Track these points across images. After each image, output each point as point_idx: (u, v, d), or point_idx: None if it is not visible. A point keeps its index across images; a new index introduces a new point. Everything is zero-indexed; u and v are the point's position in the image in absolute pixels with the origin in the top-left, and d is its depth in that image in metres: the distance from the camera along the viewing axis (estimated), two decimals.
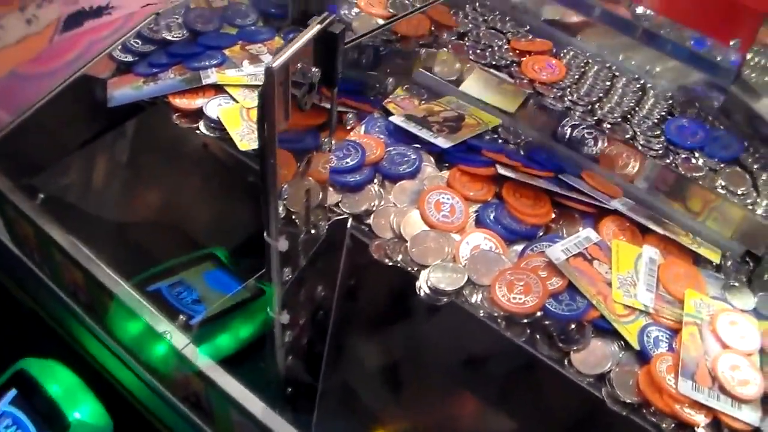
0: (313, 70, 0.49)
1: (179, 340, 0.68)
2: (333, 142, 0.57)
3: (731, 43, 0.83)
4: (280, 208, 0.53)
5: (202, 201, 0.92)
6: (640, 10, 0.90)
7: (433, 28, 0.86)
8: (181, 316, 0.72)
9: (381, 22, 0.88)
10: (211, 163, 0.88)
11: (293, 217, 0.58)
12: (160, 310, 0.70)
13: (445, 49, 0.86)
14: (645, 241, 0.71)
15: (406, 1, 0.92)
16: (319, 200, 0.61)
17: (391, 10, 0.90)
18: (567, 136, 0.81)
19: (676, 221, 0.74)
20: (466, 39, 0.90)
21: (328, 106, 0.55)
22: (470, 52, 0.87)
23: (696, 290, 0.67)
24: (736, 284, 0.68)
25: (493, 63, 0.87)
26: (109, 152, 0.90)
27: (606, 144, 0.79)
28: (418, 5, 0.88)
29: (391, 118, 0.79)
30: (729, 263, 0.71)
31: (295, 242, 0.58)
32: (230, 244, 0.91)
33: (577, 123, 0.81)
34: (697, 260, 0.71)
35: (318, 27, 0.48)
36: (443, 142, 0.77)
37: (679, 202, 0.76)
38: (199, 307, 0.78)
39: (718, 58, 0.84)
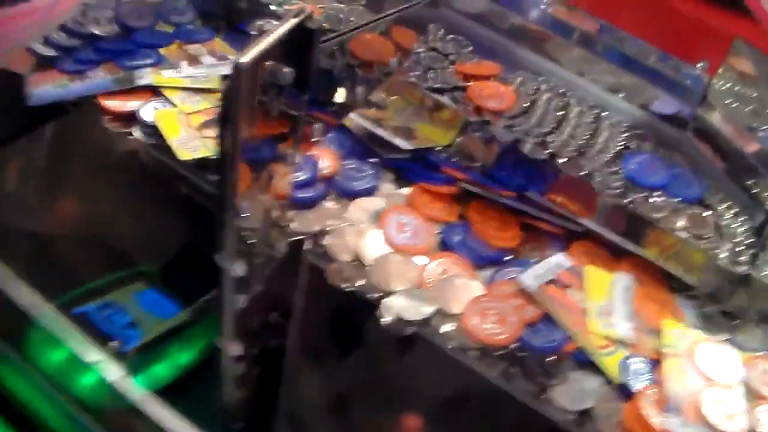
0: (285, 70, 0.42)
1: (112, 369, 0.60)
2: (297, 154, 0.51)
3: (698, 65, 0.80)
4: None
5: (129, 214, 0.83)
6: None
7: (398, 55, 0.77)
8: (114, 342, 0.64)
9: None
10: (140, 172, 0.80)
11: (247, 236, 0.51)
12: (89, 336, 0.62)
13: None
14: (617, 265, 0.67)
15: (341, 15, 0.83)
16: (277, 218, 0.55)
17: (325, 25, 0.79)
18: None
19: None
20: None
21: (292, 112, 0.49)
22: (410, 74, 0.76)
23: (673, 319, 0.63)
24: (713, 313, 0.65)
25: (436, 87, 0.76)
26: (27, 157, 0.80)
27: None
28: (353, 19, 0.80)
29: (350, 115, 0.72)
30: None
31: (251, 266, 0.51)
32: (160, 261, 0.83)
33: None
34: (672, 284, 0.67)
35: (294, 21, 0.41)
36: (402, 143, 0.71)
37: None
38: (133, 331, 0.70)
39: (686, 81, 0.80)
